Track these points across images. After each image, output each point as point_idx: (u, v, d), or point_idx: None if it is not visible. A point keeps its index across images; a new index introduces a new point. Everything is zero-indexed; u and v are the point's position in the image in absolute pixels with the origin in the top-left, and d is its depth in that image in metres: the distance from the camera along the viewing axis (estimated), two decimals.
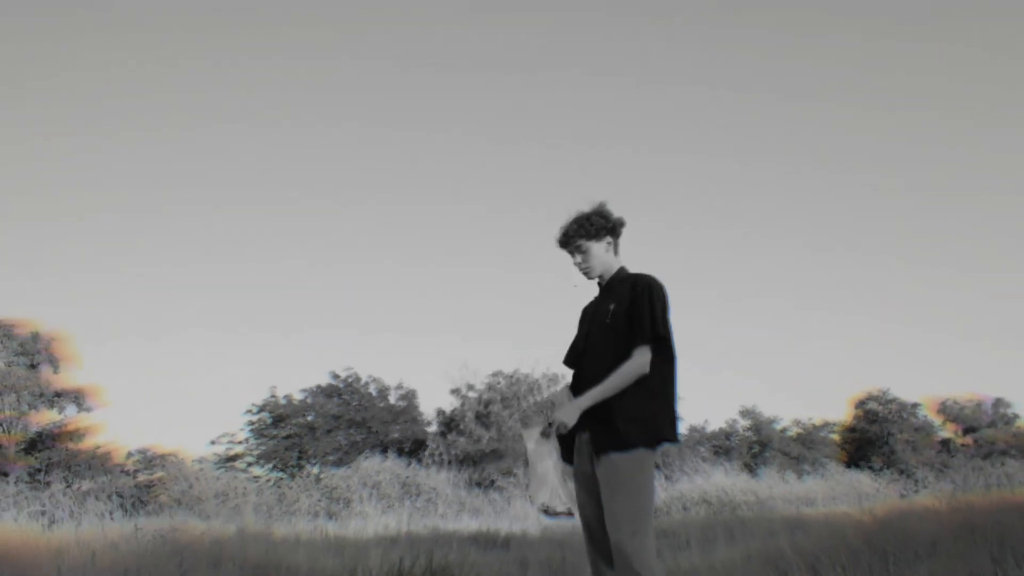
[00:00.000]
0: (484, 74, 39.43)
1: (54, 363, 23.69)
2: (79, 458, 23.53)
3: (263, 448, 28.05)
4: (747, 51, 39.53)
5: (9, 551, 7.31)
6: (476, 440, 25.63)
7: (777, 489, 17.54)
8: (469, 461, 25.31)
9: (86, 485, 23.40)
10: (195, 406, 37.50)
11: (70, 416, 23.98)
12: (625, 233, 4.13)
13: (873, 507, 14.11)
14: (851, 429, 30.66)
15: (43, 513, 19.52)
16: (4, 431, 22.52)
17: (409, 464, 22.72)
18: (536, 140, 39.19)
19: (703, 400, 41.17)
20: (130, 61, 35.92)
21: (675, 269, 38.92)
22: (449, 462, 24.90)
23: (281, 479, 24.89)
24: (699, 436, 29.03)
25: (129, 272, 37.35)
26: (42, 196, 36.79)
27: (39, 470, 23.17)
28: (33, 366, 23.29)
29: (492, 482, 23.59)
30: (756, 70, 39.56)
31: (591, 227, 4.01)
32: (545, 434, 3.72)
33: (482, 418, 26.54)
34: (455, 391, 27.31)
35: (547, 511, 3.72)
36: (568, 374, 4.46)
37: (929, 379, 41.72)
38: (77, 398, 23.79)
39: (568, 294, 4.28)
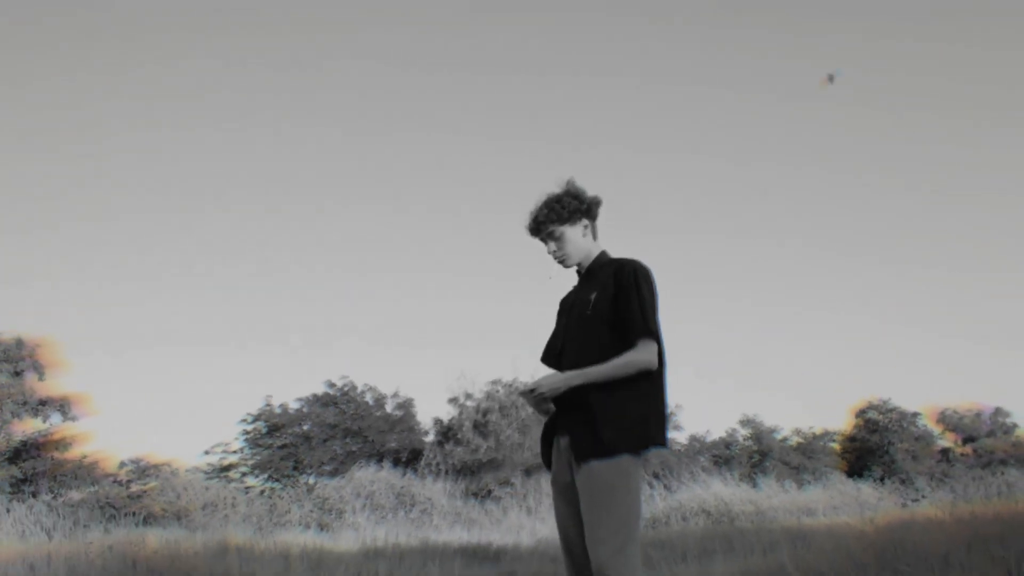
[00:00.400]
0: (486, 76, 39.24)
1: (39, 370, 23.26)
2: (65, 468, 23.13)
3: (258, 458, 27.78)
4: (746, 50, 39.37)
5: None
6: (474, 450, 25.31)
7: (777, 499, 17.24)
8: (466, 471, 24.98)
9: (74, 495, 23.10)
10: (189, 415, 37.17)
11: (55, 425, 23.57)
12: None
13: (875, 517, 13.83)
14: (851, 438, 30.39)
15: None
16: None
17: (404, 474, 22.40)
18: (533, 144, 39.00)
19: (704, 409, 40.96)
20: (116, 69, 35.73)
21: (674, 273, 38.68)
22: (446, 472, 24.57)
23: (274, 489, 24.60)
24: (699, 445, 28.74)
25: (121, 279, 37.05)
26: (36, 203, 36.56)
27: (23, 480, 22.78)
28: (17, 373, 22.89)
29: (489, 492, 23.27)
30: (755, 70, 39.39)
31: (563, 210, 3.62)
32: (527, 400, 3.41)
33: (480, 427, 26.22)
34: (453, 400, 26.99)
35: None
36: None
37: (930, 386, 41.50)
38: (63, 406, 23.33)
39: (547, 288, 3.90)
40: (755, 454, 28.35)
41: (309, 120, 39.05)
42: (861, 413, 30.25)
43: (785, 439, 29.62)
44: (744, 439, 29.35)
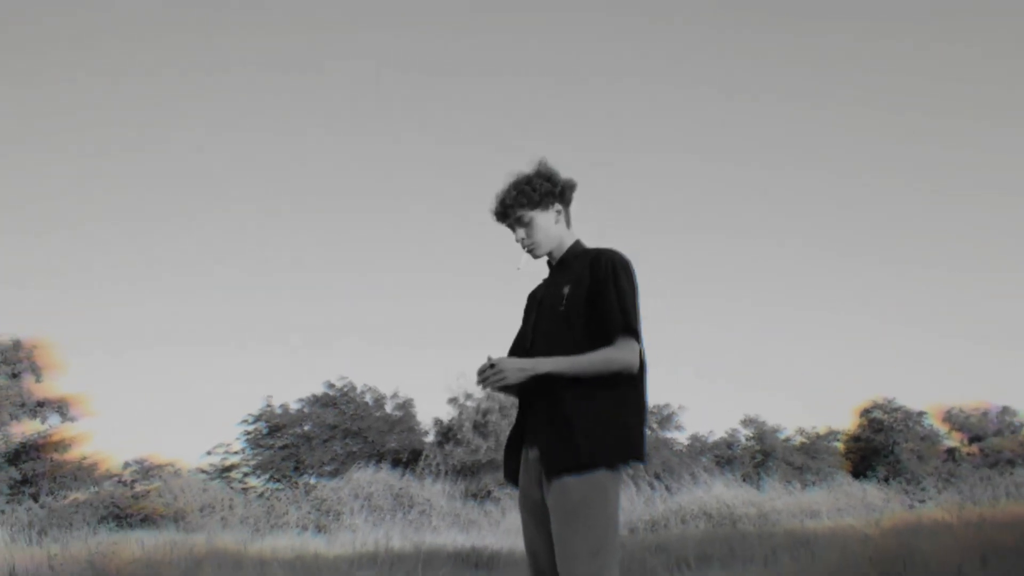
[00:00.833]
0: (486, 77, 39.03)
1: (36, 372, 23.16)
2: (64, 469, 23.05)
3: (259, 458, 27.66)
4: (745, 52, 39.09)
5: None
6: (474, 450, 25.11)
7: (780, 501, 16.99)
8: (466, 472, 24.78)
9: (79, 496, 23.01)
10: (190, 416, 37.05)
11: (54, 426, 23.48)
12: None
13: (880, 519, 13.59)
14: (856, 438, 30.14)
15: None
16: None
17: (403, 475, 22.19)
18: (536, 145, 38.72)
19: (705, 409, 40.74)
20: (116, 69, 35.58)
21: (674, 273, 38.48)
22: (446, 472, 24.36)
23: (275, 490, 24.45)
24: (701, 446, 28.52)
25: (121, 280, 36.92)
26: (35, 204, 36.44)
27: (22, 482, 22.68)
28: (15, 375, 22.77)
29: (488, 493, 23.06)
30: (753, 71, 39.14)
31: (534, 193, 3.24)
32: (483, 380, 2.96)
33: (480, 428, 26.04)
34: (452, 400, 26.79)
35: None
36: None
37: (935, 385, 41.22)
38: (61, 408, 23.27)
39: (515, 280, 3.49)
40: (758, 454, 28.14)
41: (309, 120, 38.91)
42: (866, 413, 30.01)
43: (788, 439, 29.40)
44: (747, 439, 29.13)
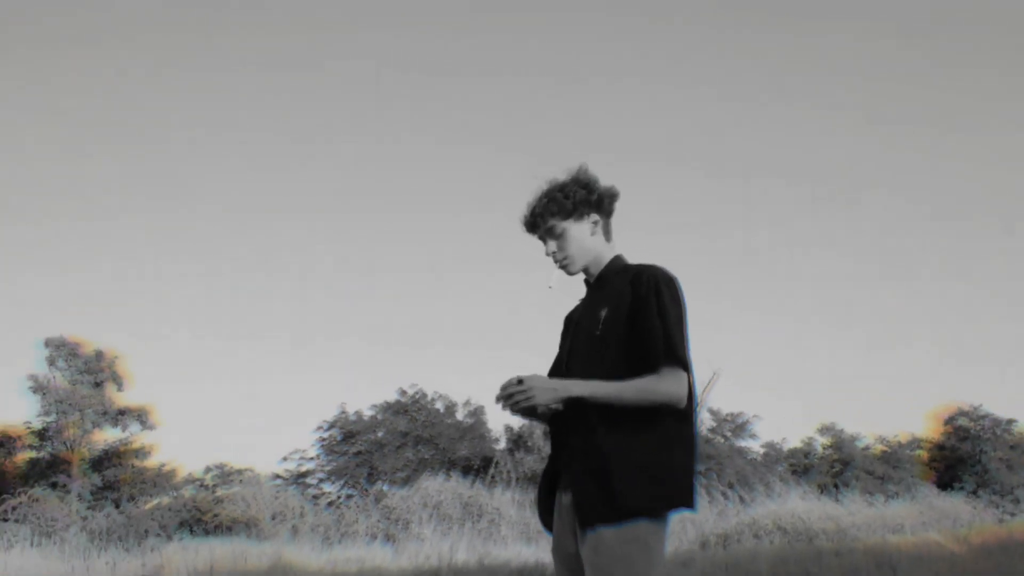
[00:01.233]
0: (529, 79, 38.85)
1: (118, 381, 23.92)
2: (144, 476, 23.76)
3: (333, 465, 27.96)
4: (753, 56, 38.24)
5: None
6: (544, 458, 24.93)
7: (860, 515, 16.40)
8: (537, 480, 24.62)
9: (163, 500, 23.67)
10: (267, 423, 37.64)
11: (134, 434, 24.23)
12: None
13: (968, 533, 13.04)
14: (940, 447, 29.11)
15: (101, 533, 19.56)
16: (69, 449, 22.76)
17: (473, 484, 22.10)
18: (558, 146, 38.44)
19: (779, 416, 40.02)
20: (157, 63, 36.25)
21: (741, 278, 37.82)
22: (516, 480, 24.21)
23: (348, 496, 24.66)
24: (776, 454, 27.86)
25: (198, 287, 37.69)
26: (107, 221, 37.38)
27: (104, 487, 23.40)
28: (97, 384, 23.51)
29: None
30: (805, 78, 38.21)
31: (567, 201, 2.90)
32: (506, 397, 2.62)
33: (548, 435, 25.84)
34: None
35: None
36: None
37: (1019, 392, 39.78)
38: (141, 416, 23.99)
39: (549, 299, 3.05)
40: (836, 463, 27.35)
41: (362, 128, 39.15)
42: (950, 420, 28.99)
43: (867, 447, 28.52)
44: (824, 448, 28.35)
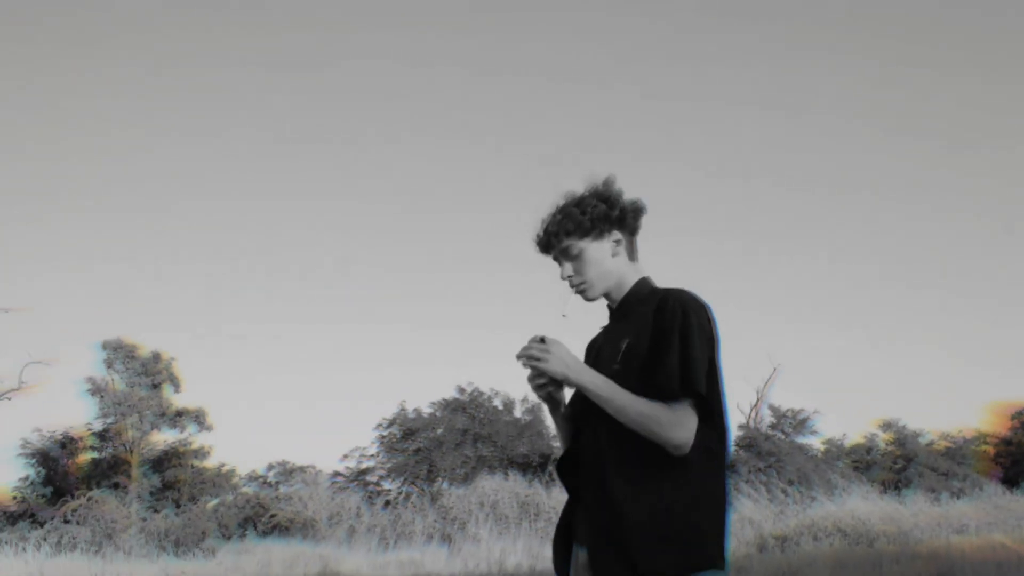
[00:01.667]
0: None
1: (175, 383, 24.37)
2: (203, 476, 24.21)
3: (393, 462, 28.21)
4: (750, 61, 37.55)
5: None
6: None
7: (922, 515, 16.12)
8: None
9: (226, 499, 24.14)
10: (327, 421, 38.18)
11: (193, 434, 24.73)
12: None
13: None
14: (1007, 442, 28.43)
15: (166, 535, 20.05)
16: (128, 450, 23.30)
17: (531, 483, 22.12)
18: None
19: (838, 411, 39.51)
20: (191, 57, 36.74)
21: (797, 272, 37.35)
22: None
23: (407, 494, 24.89)
24: (837, 451, 27.44)
25: (254, 284, 38.27)
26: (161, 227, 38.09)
27: (163, 488, 23.92)
28: (155, 386, 24.00)
29: None
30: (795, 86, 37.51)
31: (583, 217, 2.56)
32: (525, 351, 2.42)
33: None
34: None
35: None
36: None
37: None
38: (198, 417, 24.43)
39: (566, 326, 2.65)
40: (899, 459, 26.86)
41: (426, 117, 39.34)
42: (1017, 415, 28.30)
43: (931, 443, 27.95)
44: (886, 444, 27.84)
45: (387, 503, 23.15)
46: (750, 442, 24.16)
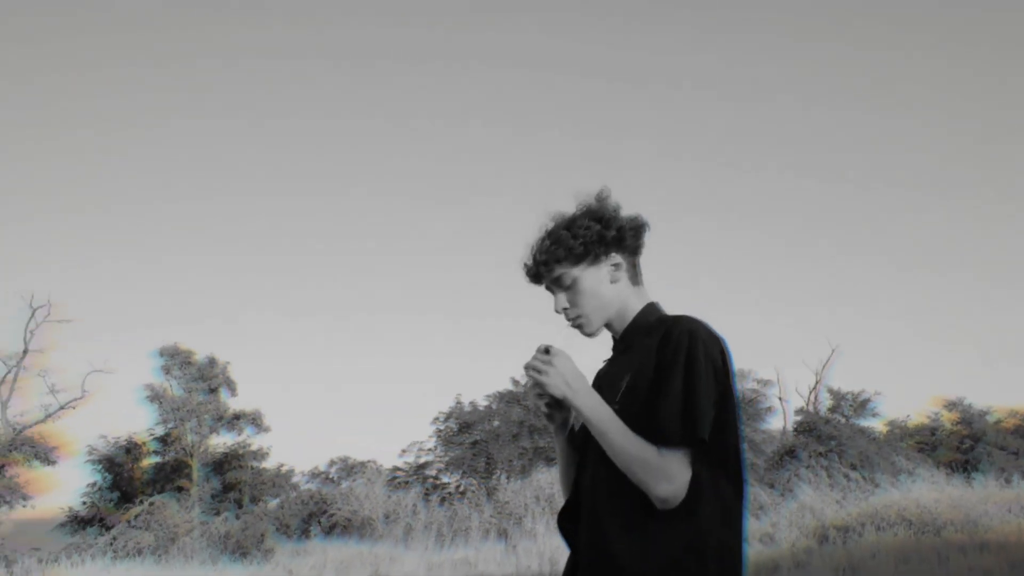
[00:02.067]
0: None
1: (231, 386, 24.72)
2: (263, 477, 24.57)
3: (451, 456, 28.30)
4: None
5: None
6: None
7: (993, 499, 15.57)
8: None
9: (289, 497, 24.48)
10: (385, 417, 38.47)
11: (250, 436, 25.12)
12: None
13: None
14: None
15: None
16: (188, 454, 23.68)
17: None
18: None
19: (899, 391, 38.79)
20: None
21: (855, 251, 36.64)
22: None
23: (462, 493, 24.93)
24: (900, 432, 26.80)
25: (308, 283, 38.58)
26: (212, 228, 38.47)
27: (225, 489, 24.29)
28: (212, 390, 24.37)
29: None
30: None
31: (574, 241, 2.26)
32: (531, 365, 2.15)
33: None
34: None
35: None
36: None
37: None
38: (255, 419, 24.76)
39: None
40: (965, 439, 26.12)
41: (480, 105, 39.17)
42: None
43: (999, 421, 27.10)
44: (952, 424, 27.08)
45: (443, 499, 23.22)
46: (809, 426, 23.71)
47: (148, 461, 24.81)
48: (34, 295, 23.72)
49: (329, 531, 20.60)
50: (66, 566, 16.88)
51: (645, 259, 2.40)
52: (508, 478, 25.11)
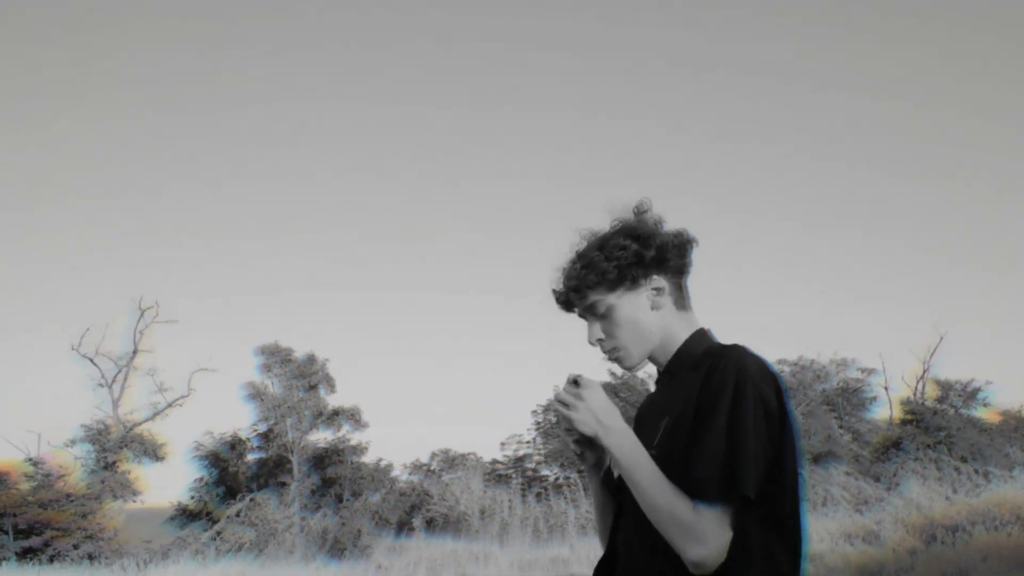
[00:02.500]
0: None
1: (330, 383, 25.16)
2: (363, 472, 24.98)
3: (549, 448, 28.34)
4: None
5: None
6: None
7: None
8: None
9: (391, 493, 24.90)
10: (488, 410, 38.72)
11: (348, 432, 25.57)
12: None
13: None
14: None
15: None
16: (288, 451, 24.20)
17: None
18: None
19: (1011, 380, 37.17)
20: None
21: (964, 237, 35.27)
22: None
23: (559, 486, 24.91)
24: (1015, 422, 25.62)
25: (398, 287, 39.01)
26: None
27: (325, 484, 24.78)
28: (311, 387, 24.83)
29: None
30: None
31: (608, 264, 1.94)
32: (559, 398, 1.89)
33: None
34: None
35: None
36: None
37: None
38: (353, 415, 25.16)
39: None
40: None
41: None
42: None
43: None
44: None
45: (539, 494, 23.23)
46: (917, 417, 22.93)
47: (252, 457, 25.49)
48: (142, 297, 24.61)
49: (427, 526, 20.79)
50: (173, 560, 17.42)
51: (695, 280, 2.06)
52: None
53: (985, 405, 24.29)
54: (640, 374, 28.33)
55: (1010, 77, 36.45)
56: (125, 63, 34.94)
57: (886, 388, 26.26)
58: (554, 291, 2.06)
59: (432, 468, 28.46)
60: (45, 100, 35.29)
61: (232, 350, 43.30)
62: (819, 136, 38.04)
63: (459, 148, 39.04)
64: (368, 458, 25.78)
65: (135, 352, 24.51)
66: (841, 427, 25.45)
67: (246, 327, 39.33)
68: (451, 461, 28.48)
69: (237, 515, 21.12)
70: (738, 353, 1.82)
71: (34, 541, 19.46)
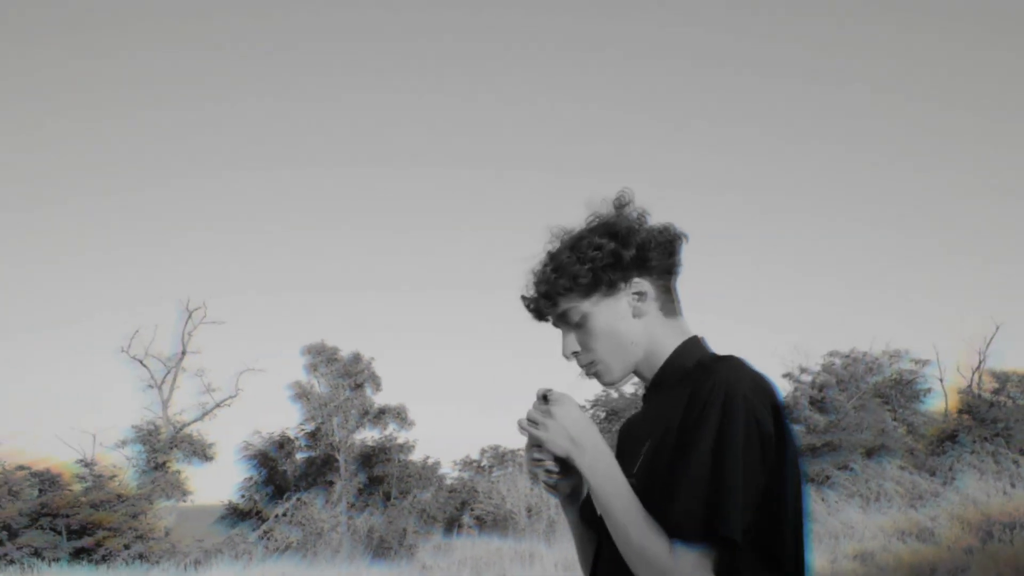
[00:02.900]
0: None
1: (376, 382, 25.23)
2: (410, 471, 25.06)
3: None
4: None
5: None
6: (811, 428, 23.77)
7: None
8: (802, 453, 23.50)
9: (440, 487, 24.99)
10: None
11: (395, 431, 25.67)
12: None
13: None
14: None
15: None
16: (335, 450, 24.34)
17: None
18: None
19: None
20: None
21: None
22: None
23: None
24: None
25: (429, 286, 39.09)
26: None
27: (371, 483, 24.89)
28: (357, 386, 24.93)
29: (827, 478, 21.62)
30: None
31: (583, 267, 1.68)
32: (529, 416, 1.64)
33: (817, 403, 24.64)
34: (787, 375, 25.53)
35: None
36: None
37: None
38: (399, 414, 25.23)
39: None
40: None
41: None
42: None
43: None
44: None
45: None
46: (973, 408, 22.37)
47: (300, 456, 25.69)
48: (190, 299, 24.94)
49: (474, 523, 20.79)
50: (221, 560, 17.59)
51: (691, 280, 1.79)
52: None
53: None
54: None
55: None
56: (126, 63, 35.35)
57: (941, 379, 25.69)
58: (523, 298, 1.78)
59: (482, 464, 28.40)
60: (44, 100, 35.84)
61: (278, 350, 43.69)
62: (877, 131, 37.43)
63: (504, 139, 38.90)
64: (416, 456, 25.89)
65: (183, 353, 24.90)
66: (895, 419, 24.96)
67: (292, 327, 39.65)
68: (500, 457, 28.40)
69: (284, 515, 21.29)
70: (729, 366, 1.58)
71: (86, 541, 20.00)
